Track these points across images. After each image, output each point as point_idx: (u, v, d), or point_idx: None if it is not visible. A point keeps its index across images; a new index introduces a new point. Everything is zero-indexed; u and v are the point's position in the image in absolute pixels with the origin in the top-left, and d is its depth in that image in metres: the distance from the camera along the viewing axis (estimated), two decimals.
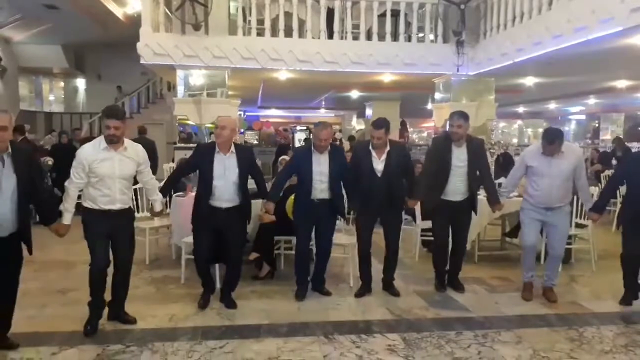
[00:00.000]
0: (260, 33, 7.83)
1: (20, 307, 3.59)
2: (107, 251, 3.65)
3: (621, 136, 13.14)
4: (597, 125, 20.33)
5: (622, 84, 10.61)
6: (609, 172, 8.48)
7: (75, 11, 10.72)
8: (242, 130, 17.21)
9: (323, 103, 16.22)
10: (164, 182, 4.53)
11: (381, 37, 8.09)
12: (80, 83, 17.08)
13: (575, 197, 5.11)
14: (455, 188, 4.50)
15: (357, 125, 19.63)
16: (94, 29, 12.16)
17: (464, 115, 4.48)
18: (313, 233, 4.63)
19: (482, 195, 4.85)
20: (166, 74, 10.14)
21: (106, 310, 3.85)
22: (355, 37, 8.04)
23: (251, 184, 4.31)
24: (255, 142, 18.28)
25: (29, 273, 4.18)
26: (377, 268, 4.71)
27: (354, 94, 12.27)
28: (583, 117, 21.47)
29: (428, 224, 5.20)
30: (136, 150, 3.78)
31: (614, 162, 9.89)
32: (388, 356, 3.42)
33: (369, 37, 8.04)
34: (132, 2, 11.63)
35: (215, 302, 4.28)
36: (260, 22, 7.84)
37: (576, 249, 5.79)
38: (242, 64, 7.71)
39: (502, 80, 8.79)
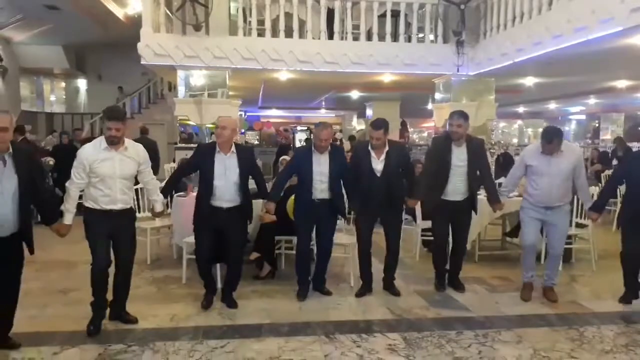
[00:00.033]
0: (260, 33, 7.84)
1: (22, 307, 3.60)
2: (108, 251, 3.66)
3: (622, 136, 13.14)
4: (597, 125, 20.34)
5: (622, 84, 10.62)
6: (609, 172, 8.49)
7: (76, 12, 10.73)
8: (243, 131, 17.24)
9: (323, 103, 16.23)
10: (164, 182, 4.53)
11: (381, 38, 8.10)
12: (81, 83, 17.11)
13: (575, 197, 5.12)
14: (455, 188, 4.51)
15: (357, 125, 19.64)
16: (94, 29, 12.18)
17: (463, 115, 4.49)
18: (314, 233, 4.64)
19: (482, 195, 4.86)
20: (167, 74, 10.16)
21: (107, 310, 3.85)
22: (356, 38, 8.05)
23: (251, 184, 4.32)
24: (256, 142, 18.30)
25: (30, 273, 4.19)
26: (377, 268, 4.72)
27: (355, 94, 12.28)
28: (583, 117, 21.48)
29: (428, 223, 5.20)
30: (137, 150, 3.79)
31: (614, 162, 9.89)
32: (389, 356, 3.43)
33: (369, 37, 8.05)
34: (133, 2, 11.64)
35: (216, 302, 4.29)
36: (261, 22, 7.85)
37: (576, 248, 5.80)
38: (243, 64, 7.72)
39: (502, 81, 8.80)
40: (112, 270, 3.75)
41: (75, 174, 3.59)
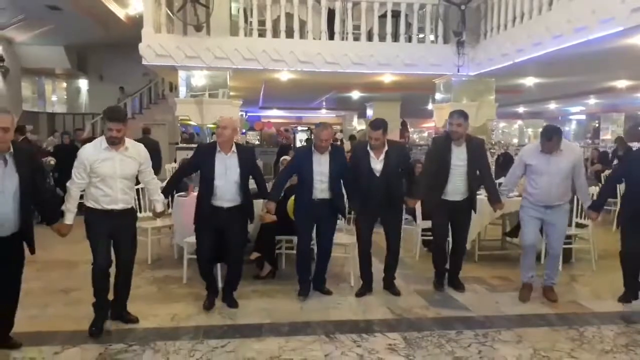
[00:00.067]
0: (261, 34, 7.85)
1: (23, 307, 3.61)
2: (109, 251, 3.67)
3: (622, 136, 13.13)
4: (597, 125, 20.33)
5: (622, 84, 10.61)
6: (609, 172, 8.47)
7: (78, 12, 10.75)
8: (244, 131, 17.25)
9: (324, 103, 16.24)
10: (165, 182, 4.54)
11: (382, 38, 8.10)
12: (83, 84, 17.14)
13: (575, 197, 5.12)
14: (455, 188, 4.52)
15: (358, 125, 19.65)
16: (96, 29, 12.20)
17: (463, 114, 4.50)
18: (314, 233, 4.65)
19: (482, 195, 4.87)
20: (168, 74, 10.17)
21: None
22: (356, 38, 8.06)
23: (251, 184, 4.33)
24: (257, 142, 18.31)
25: (31, 272, 4.20)
26: (377, 268, 4.73)
27: (355, 94, 12.29)
28: (583, 117, 21.47)
29: (428, 223, 5.21)
30: (138, 150, 3.79)
31: (615, 162, 9.88)
32: (389, 355, 3.43)
33: (369, 37, 8.06)
34: (134, 3, 11.66)
35: (217, 302, 4.29)
36: (262, 23, 7.86)
37: (577, 248, 5.80)
38: (244, 64, 7.73)
39: (503, 81, 8.80)
40: (112, 270, 3.76)
41: (75, 174, 3.60)
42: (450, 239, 4.82)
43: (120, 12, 11.84)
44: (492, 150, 12.31)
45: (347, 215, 5.25)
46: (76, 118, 15.53)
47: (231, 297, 4.29)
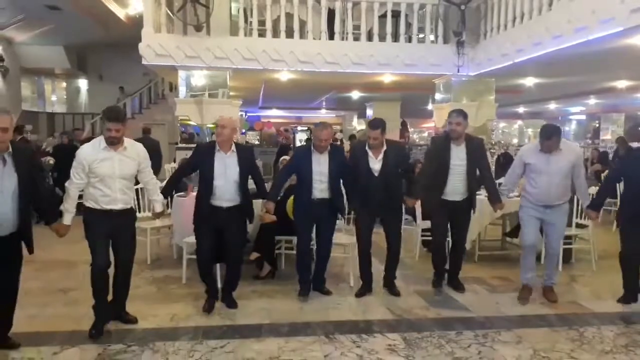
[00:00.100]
0: (261, 34, 7.85)
1: (22, 307, 3.60)
2: (108, 251, 3.65)
3: (623, 136, 13.13)
4: (597, 125, 20.33)
5: (622, 84, 10.61)
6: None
7: (77, 12, 10.74)
8: (243, 131, 17.24)
9: (324, 103, 16.24)
10: (165, 182, 4.53)
11: (382, 38, 8.10)
12: (82, 83, 17.13)
13: (575, 197, 5.11)
14: (455, 188, 4.51)
15: (357, 125, 19.65)
16: (95, 29, 12.19)
17: (462, 113, 4.50)
18: (314, 233, 4.64)
19: (483, 195, 4.87)
20: (168, 74, 10.16)
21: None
22: (356, 38, 8.05)
23: (251, 184, 4.32)
24: (257, 142, 18.31)
25: (30, 272, 4.21)
26: (377, 268, 4.72)
27: (355, 94, 12.28)
28: (583, 117, 21.46)
29: (428, 224, 5.20)
30: (136, 150, 3.78)
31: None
32: (388, 356, 3.43)
33: (369, 37, 8.05)
34: (134, 3, 11.65)
35: (216, 303, 4.28)
36: (262, 23, 7.85)
37: (577, 249, 5.80)
38: (244, 64, 7.73)
39: (503, 81, 8.79)
40: (111, 270, 3.74)
41: (74, 174, 3.59)
42: (449, 239, 4.82)
43: (120, 12, 11.83)
44: (492, 151, 12.31)
45: (347, 215, 5.25)
46: (76, 118, 15.53)
47: (230, 298, 4.28)
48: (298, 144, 16.49)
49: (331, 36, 7.97)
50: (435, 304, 4.43)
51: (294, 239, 4.80)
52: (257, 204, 4.49)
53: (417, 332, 3.81)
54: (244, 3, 7.78)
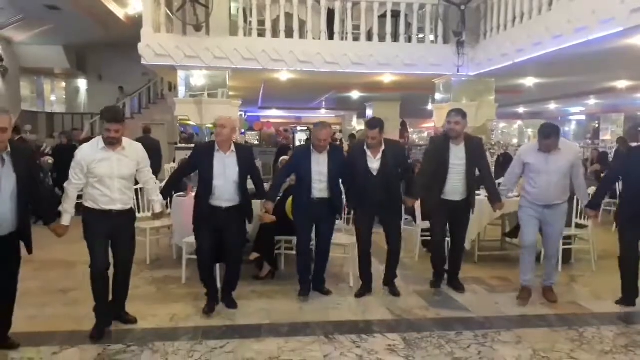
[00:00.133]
0: (261, 34, 7.84)
1: (21, 307, 3.60)
2: (107, 252, 3.63)
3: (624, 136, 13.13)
4: (597, 125, 20.33)
5: (622, 84, 10.61)
6: None
7: (77, 12, 10.74)
8: (243, 131, 17.22)
9: (323, 103, 16.23)
10: (164, 183, 4.52)
11: (382, 38, 8.09)
12: (82, 83, 17.12)
13: (575, 198, 5.10)
14: (454, 187, 4.50)
15: (357, 125, 19.65)
16: (95, 29, 12.19)
17: (461, 112, 4.50)
18: (313, 233, 4.64)
19: (482, 195, 4.86)
20: (167, 74, 10.16)
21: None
22: (356, 38, 8.05)
23: (250, 184, 4.31)
24: (256, 142, 18.29)
25: (29, 272, 4.20)
26: (377, 268, 4.72)
27: (355, 94, 12.28)
28: (583, 117, 21.46)
29: (428, 224, 5.18)
30: (135, 150, 3.76)
31: None
32: (388, 356, 3.43)
33: (369, 37, 8.04)
34: (134, 2, 11.65)
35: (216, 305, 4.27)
36: (261, 23, 7.84)
37: (576, 249, 5.80)
38: (243, 64, 7.72)
39: (502, 81, 8.79)
40: (111, 270, 3.73)
41: (73, 175, 3.58)
42: (449, 238, 4.81)
43: (120, 12, 11.83)
44: (492, 151, 12.30)
45: (347, 215, 5.24)
46: (75, 118, 15.53)
47: (230, 298, 4.28)
48: (297, 144, 16.49)
49: (331, 36, 7.96)
50: (435, 304, 4.42)
51: (294, 239, 4.80)
52: (257, 204, 4.48)
53: (416, 332, 3.80)
54: (243, 3, 7.78)
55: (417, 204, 5.33)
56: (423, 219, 5.57)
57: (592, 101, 15.21)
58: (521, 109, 18.49)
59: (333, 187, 4.42)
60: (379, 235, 4.70)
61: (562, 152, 4.26)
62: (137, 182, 4.04)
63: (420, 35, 8.33)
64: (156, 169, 7.51)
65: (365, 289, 4.62)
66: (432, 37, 8.27)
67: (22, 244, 3.39)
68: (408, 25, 8.26)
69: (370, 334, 3.78)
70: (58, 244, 4.25)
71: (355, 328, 3.88)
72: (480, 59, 7.90)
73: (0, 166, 3.19)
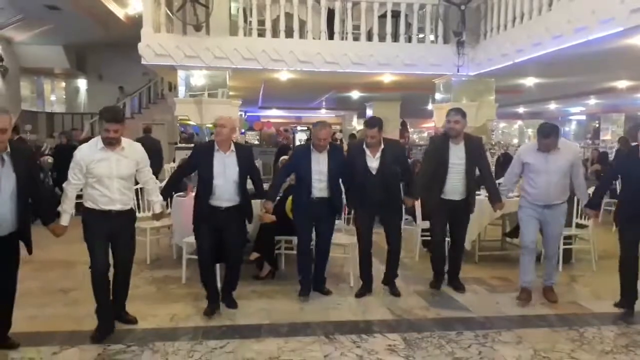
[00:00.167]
0: (261, 34, 7.84)
1: (21, 307, 3.60)
2: (107, 254, 3.61)
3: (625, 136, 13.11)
4: (597, 125, 20.31)
5: (622, 84, 10.61)
6: None
7: (77, 12, 10.74)
8: (243, 131, 17.23)
9: (324, 103, 16.23)
10: (164, 183, 4.51)
11: (382, 38, 8.09)
12: (82, 83, 17.12)
13: (576, 198, 5.09)
14: (454, 187, 4.50)
15: (357, 125, 19.65)
16: (95, 29, 12.18)
17: (460, 112, 4.50)
18: (314, 233, 4.63)
19: (483, 195, 4.85)
20: (167, 74, 10.15)
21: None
22: (356, 38, 8.04)
23: (249, 184, 4.30)
24: (256, 142, 18.30)
25: (29, 272, 4.20)
26: (378, 268, 4.71)
27: (355, 94, 12.28)
28: (583, 117, 21.45)
29: (428, 224, 5.19)
30: (134, 149, 3.75)
31: None
32: (388, 356, 3.42)
33: (369, 37, 8.04)
34: (134, 2, 11.65)
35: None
36: (261, 22, 7.84)
37: (577, 249, 5.80)
38: (243, 64, 7.72)
39: (503, 81, 8.79)
40: (111, 270, 3.72)
41: (72, 175, 3.57)
42: (449, 238, 4.81)
43: (120, 12, 11.82)
44: (492, 151, 12.30)
45: (347, 215, 5.24)
46: (75, 118, 15.53)
47: (230, 298, 4.27)
48: (298, 143, 16.49)
49: (331, 36, 7.96)
50: (435, 304, 4.42)
51: (294, 239, 4.79)
52: (256, 204, 4.47)
53: (417, 332, 3.80)
54: (243, 3, 7.77)
55: (418, 204, 5.33)
56: (423, 219, 5.57)
57: (592, 101, 15.21)
58: (521, 109, 18.48)
59: (333, 187, 4.41)
60: (379, 235, 4.70)
61: (562, 152, 4.25)
62: (137, 182, 4.03)
63: (421, 35, 8.33)
64: (157, 169, 7.51)
65: (365, 289, 4.62)
66: (432, 37, 8.27)
67: (22, 244, 3.39)
68: (408, 25, 8.26)
69: (370, 334, 3.77)
70: (58, 244, 4.25)
71: (355, 328, 3.87)
72: (480, 59, 7.90)
73: (0, 166, 3.18)
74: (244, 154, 4.18)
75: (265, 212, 4.39)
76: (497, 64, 7.46)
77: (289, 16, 7.86)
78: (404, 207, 4.77)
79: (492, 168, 7.05)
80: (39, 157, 7.92)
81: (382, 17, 8.12)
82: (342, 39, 7.99)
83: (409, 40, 8.21)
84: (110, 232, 3.60)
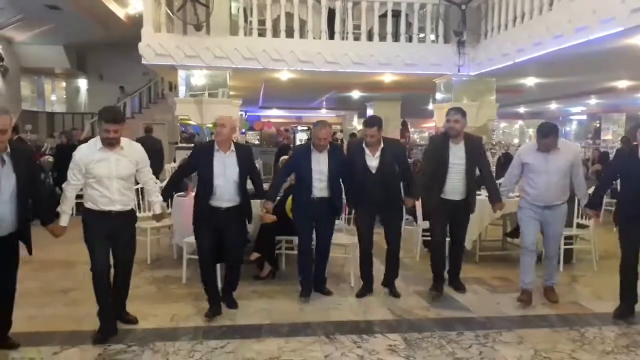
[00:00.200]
0: (261, 33, 7.83)
1: (21, 307, 3.60)
2: (107, 253, 3.60)
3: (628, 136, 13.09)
4: (598, 125, 20.29)
5: (623, 84, 10.59)
6: None
7: (77, 12, 10.74)
8: (243, 131, 17.24)
9: (324, 103, 16.22)
10: (164, 184, 4.50)
11: (382, 38, 8.08)
12: (82, 83, 17.13)
13: (576, 198, 5.07)
14: (454, 187, 4.48)
15: (358, 125, 19.65)
16: (95, 29, 12.19)
17: (460, 111, 4.49)
18: (314, 233, 4.63)
19: (483, 195, 4.84)
20: (168, 74, 10.15)
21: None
22: (357, 38, 8.04)
23: (249, 184, 4.29)
24: (257, 142, 18.30)
25: (28, 272, 4.20)
26: (378, 268, 4.71)
27: (355, 94, 12.28)
28: (584, 117, 21.42)
29: (429, 224, 5.19)
30: (134, 149, 3.73)
31: None
32: (389, 356, 3.42)
33: (370, 37, 8.04)
34: (134, 2, 11.65)
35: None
36: (262, 22, 7.84)
37: (577, 249, 5.79)
38: (244, 64, 7.71)
39: (503, 81, 8.78)
40: (111, 271, 3.71)
41: (71, 175, 3.56)
42: (449, 238, 4.80)
43: (120, 12, 11.83)
44: (492, 151, 12.31)
45: (347, 215, 5.23)
46: (75, 118, 15.54)
47: (231, 298, 4.27)
48: (298, 143, 16.49)
49: (331, 36, 7.95)
50: (435, 305, 4.41)
51: (295, 239, 4.79)
52: (257, 204, 4.46)
53: (417, 332, 3.80)
54: (243, 2, 7.77)
55: (419, 204, 5.32)
56: (423, 219, 5.56)
57: (593, 101, 15.20)
58: (522, 109, 18.47)
59: (333, 187, 4.41)
60: (379, 235, 4.70)
61: (562, 152, 4.24)
62: (137, 182, 4.03)
63: (421, 35, 8.32)
64: (157, 168, 7.52)
65: (366, 289, 4.61)
66: (432, 37, 8.26)
67: (22, 245, 3.39)
68: (409, 25, 8.25)
69: (371, 334, 3.77)
70: (57, 244, 4.24)
71: (356, 328, 3.87)
72: (480, 59, 7.90)
73: (0, 166, 3.18)
74: (244, 154, 4.18)
75: (265, 212, 4.39)
76: (497, 64, 7.46)
77: (289, 16, 7.86)
78: (404, 207, 4.76)
79: (493, 168, 7.05)
80: (39, 157, 7.92)
81: (383, 16, 8.11)
82: (343, 38, 7.98)
83: (410, 40, 8.20)
84: (110, 233, 3.59)
